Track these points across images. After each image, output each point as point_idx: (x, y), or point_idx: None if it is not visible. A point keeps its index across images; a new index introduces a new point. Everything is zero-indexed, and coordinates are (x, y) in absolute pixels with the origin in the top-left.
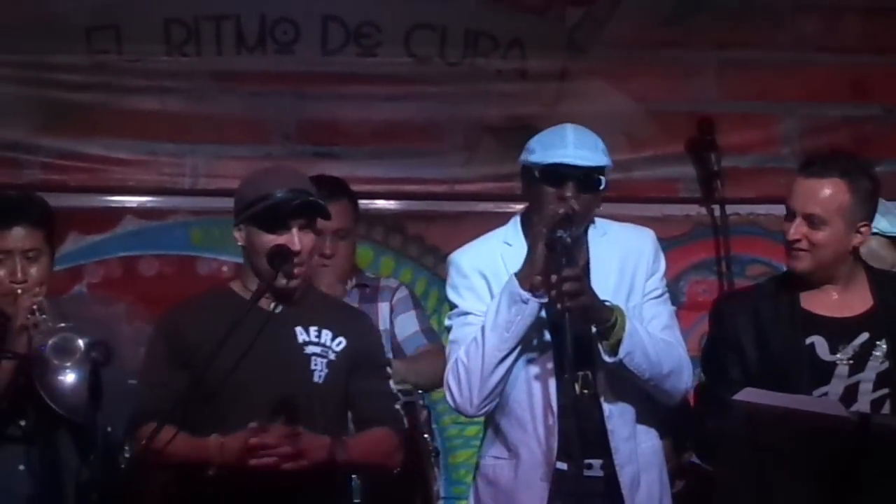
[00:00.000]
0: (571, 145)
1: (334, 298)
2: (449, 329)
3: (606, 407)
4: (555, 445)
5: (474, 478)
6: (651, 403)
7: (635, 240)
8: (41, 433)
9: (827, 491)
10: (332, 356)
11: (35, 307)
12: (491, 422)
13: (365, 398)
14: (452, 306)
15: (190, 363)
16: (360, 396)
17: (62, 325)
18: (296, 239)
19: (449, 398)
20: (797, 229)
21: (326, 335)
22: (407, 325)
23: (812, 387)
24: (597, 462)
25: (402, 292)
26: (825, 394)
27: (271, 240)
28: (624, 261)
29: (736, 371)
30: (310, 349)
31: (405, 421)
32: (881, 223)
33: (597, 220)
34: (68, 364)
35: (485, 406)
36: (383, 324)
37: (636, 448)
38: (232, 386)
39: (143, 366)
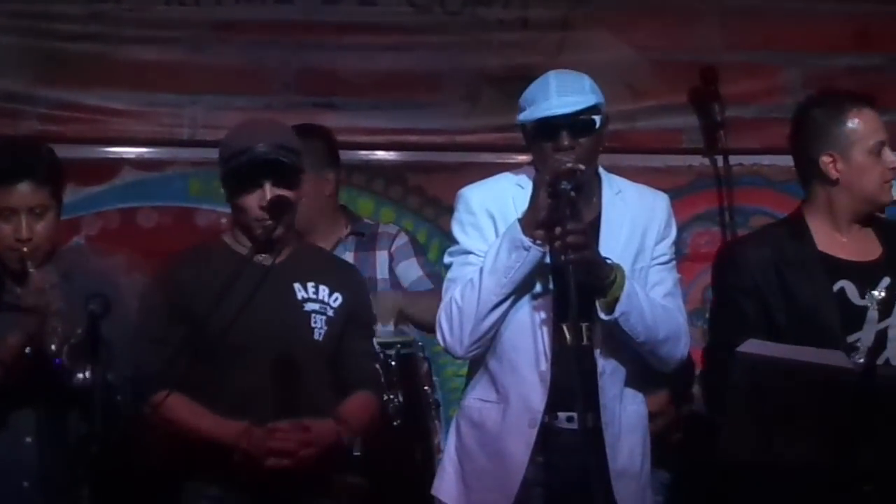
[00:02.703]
0: (555, 94)
1: (326, 251)
2: (448, 266)
3: (600, 363)
4: (546, 392)
5: (456, 419)
6: (642, 368)
7: (649, 203)
8: (48, 403)
9: (830, 442)
10: (330, 313)
11: (47, 287)
12: (480, 363)
13: (351, 358)
14: (454, 241)
15: (187, 319)
16: (349, 355)
17: (79, 331)
18: (267, 193)
19: (439, 337)
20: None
21: (324, 291)
22: (410, 272)
23: (846, 333)
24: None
25: (402, 239)
26: (858, 340)
27: (242, 196)
28: (635, 222)
29: (754, 319)
30: (309, 306)
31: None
32: None
33: (613, 177)
34: (85, 370)
35: (475, 349)
36: (381, 272)
37: (621, 410)
38: (232, 343)
39: (140, 322)
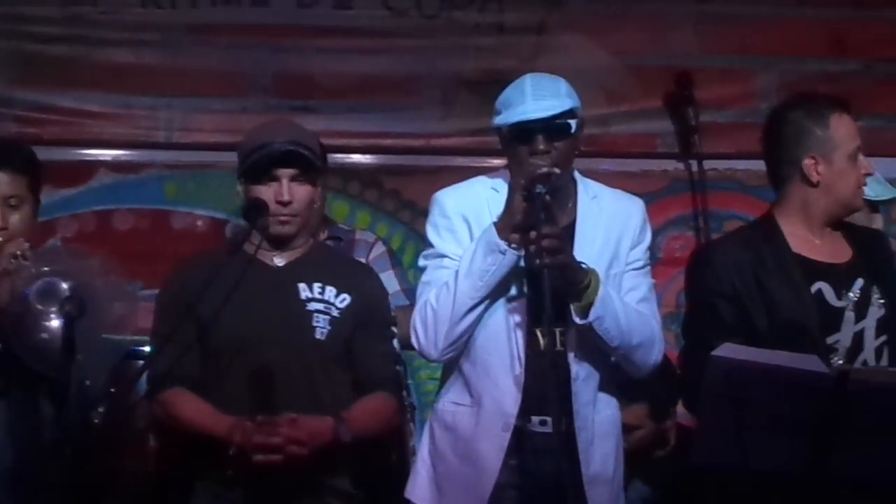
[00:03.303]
0: (530, 98)
1: (341, 254)
2: (423, 269)
3: (574, 368)
4: (519, 396)
5: (429, 424)
6: (616, 374)
7: (625, 208)
8: (18, 393)
9: (806, 446)
10: (335, 313)
11: (20, 252)
12: (454, 367)
13: (367, 359)
14: (429, 245)
15: (195, 318)
16: (363, 357)
17: (45, 269)
18: (284, 189)
19: (414, 340)
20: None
21: (330, 291)
22: (388, 285)
23: (825, 335)
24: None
25: (379, 248)
26: (837, 341)
27: (260, 191)
28: (610, 227)
29: (731, 322)
30: (312, 305)
31: (403, 383)
32: None
33: (589, 181)
34: (53, 309)
35: (449, 352)
36: None
37: (594, 415)
38: (233, 343)
39: (154, 323)
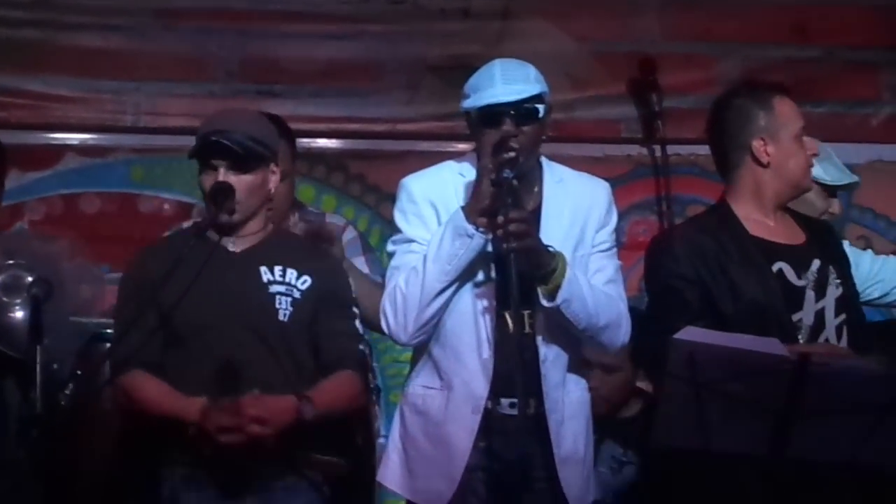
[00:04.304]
0: (500, 82)
1: (301, 238)
2: (391, 255)
3: (542, 350)
4: (489, 379)
5: (400, 407)
6: (585, 357)
7: (590, 191)
8: None
9: (766, 428)
10: (296, 294)
11: None
12: (424, 351)
13: (329, 338)
14: (397, 230)
15: (157, 302)
16: (325, 336)
17: (10, 262)
18: (220, 178)
19: (384, 324)
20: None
21: (291, 274)
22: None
23: (789, 313)
24: (528, 402)
25: (351, 233)
26: (800, 320)
27: (204, 179)
28: (576, 210)
29: (695, 306)
30: (274, 288)
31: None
32: (816, 170)
33: (554, 165)
34: (18, 301)
35: (419, 336)
36: None
37: (564, 396)
38: (197, 327)
39: (116, 307)
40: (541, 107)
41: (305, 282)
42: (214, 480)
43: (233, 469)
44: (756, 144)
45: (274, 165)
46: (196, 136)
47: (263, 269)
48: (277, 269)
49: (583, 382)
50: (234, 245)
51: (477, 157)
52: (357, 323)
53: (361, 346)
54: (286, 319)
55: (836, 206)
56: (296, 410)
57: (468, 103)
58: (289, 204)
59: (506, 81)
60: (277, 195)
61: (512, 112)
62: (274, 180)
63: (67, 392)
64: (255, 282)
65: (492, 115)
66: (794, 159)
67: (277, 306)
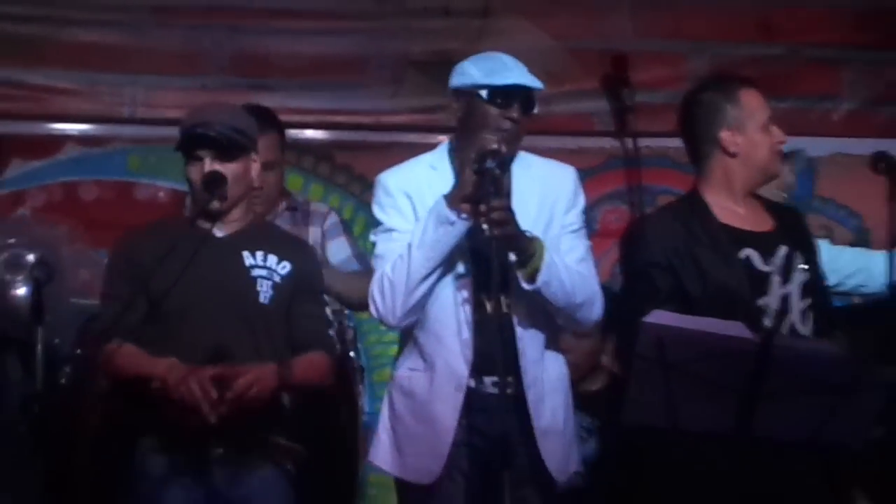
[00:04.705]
0: (515, 69)
1: (279, 227)
2: (374, 245)
3: (519, 330)
4: (469, 358)
5: (388, 390)
6: (560, 332)
7: (557, 175)
8: None
9: (731, 407)
10: (277, 279)
11: None
12: (409, 336)
13: (302, 322)
14: (378, 223)
15: (144, 282)
16: (299, 320)
17: (11, 241)
18: (206, 167)
19: (373, 309)
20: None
21: (272, 259)
22: (339, 251)
23: (754, 297)
24: (506, 380)
25: (333, 218)
26: (766, 304)
27: (190, 170)
28: (545, 194)
29: (665, 291)
30: (256, 272)
31: (336, 345)
32: None
33: (522, 153)
34: (19, 278)
35: (406, 318)
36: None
37: (542, 373)
38: (183, 308)
39: (103, 284)
40: (536, 102)
41: (285, 267)
42: (179, 449)
43: (197, 440)
44: (724, 135)
45: (255, 154)
46: (180, 131)
47: (246, 253)
48: (259, 254)
49: (561, 358)
50: (218, 231)
51: (450, 144)
52: (327, 310)
53: (331, 332)
54: (267, 302)
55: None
56: (279, 374)
57: (478, 80)
58: (278, 192)
59: (520, 69)
60: (268, 183)
61: (521, 98)
62: (255, 168)
63: (67, 370)
64: (238, 265)
65: (505, 95)
66: (762, 148)
67: (259, 289)
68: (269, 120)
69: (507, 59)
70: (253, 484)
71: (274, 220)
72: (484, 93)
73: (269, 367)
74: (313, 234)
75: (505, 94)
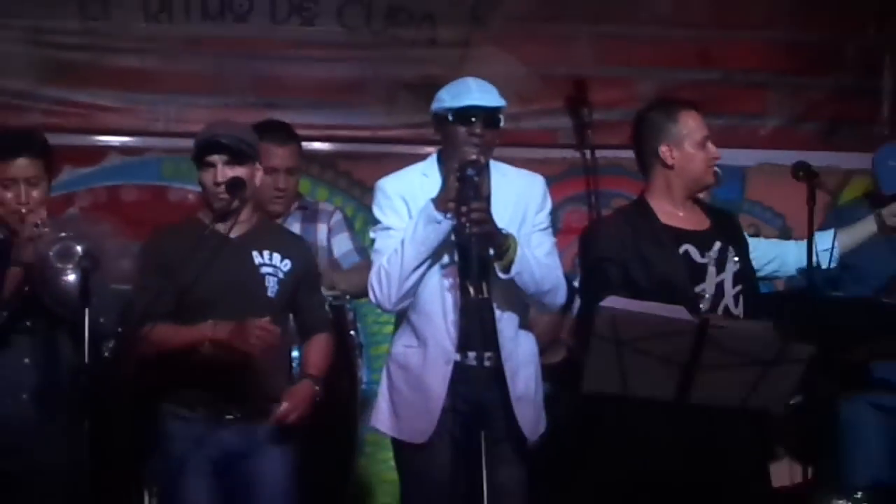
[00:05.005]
0: (476, 91)
1: (280, 226)
2: (373, 241)
3: (498, 312)
4: (455, 337)
5: (387, 364)
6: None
7: (528, 182)
8: (42, 330)
9: (674, 377)
10: (281, 275)
11: (39, 221)
12: (404, 317)
13: (307, 309)
14: (376, 222)
15: (171, 278)
16: (303, 308)
17: (62, 234)
18: (219, 172)
19: (371, 296)
20: (715, 149)
21: (276, 257)
22: (342, 245)
23: (693, 285)
24: (487, 354)
25: (338, 216)
26: (703, 290)
27: (204, 176)
28: (518, 198)
29: (616, 281)
30: (264, 269)
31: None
32: None
33: (498, 164)
34: (70, 266)
35: (400, 304)
36: (321, 241)
37: (517, 348)
38: (201, 300)
39: (134, 278)
40: (501, 117)
41: (287, 264)
42: (197, 417)
43: (210, 409)
44: (663, 150)
45: (258, 164)
46: (195, 143)
47: (255, 252)
48: (266, 252)
49: (532, 336)
50: (231, 232)
51: (438, 154)
52: (322, 291)
53: (327, 309)
54: (273, 296)
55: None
56: (315, 393)
57: (446, 104)
58: (295, 193)
59: (481, 91)
60: (289, 186)
61: (483, 116)
62: (259, 176)
63: (110, 345)
64: (250, 264)
65: (467, 115)
66: (695, 162)
67: (266, 284)
68: (291, 133)
69: (473, 83)
70: (259, 442)
71: (287, 218)
72: (450, 115)
73: (306, 384)
74: (321, 231)
75: (468, 114)
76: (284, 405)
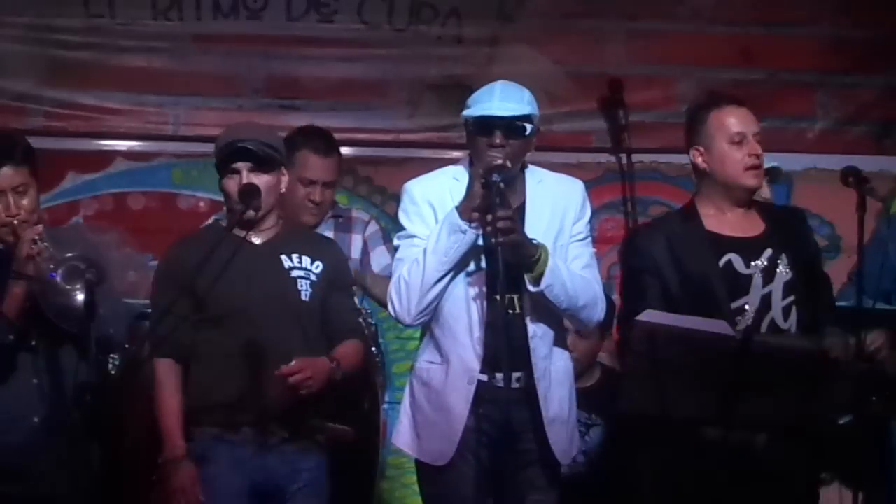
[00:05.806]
0: (497, 99)
1: (309, 230)
2: (397, 248)
3: (531, 327)
4: (481, 355)
5: (409, 380)
6: (566, 332)
7: (567, 189)
8: (45, 347)
9: (715, 399)
10: (313, 277)
11: (37, 236)
12: (427, 332)
13: (337, 314)
14: (401, 228)
15: (191, 291)
16: (333, 312)
17: (69, 255)
18: (244, 179)
19: (390, 308)
20: (757, 147)
21: (306, 260)
22: (382, 259)
23: (732, 299)
24: (516, 375)
25: (374, 226)
26: (746, 304)
27: (227, 183)
28: (555, 205)
29: (654, 293)
30: (295, 273)
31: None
32: None
33: (535, 168)
34: (78, 286)
35: (420, 318)
36: (356, 252)
37: (550, 366)
38: (236, 310)
39: (152, 295)
40: (528, 126)
41: (318, 266)
42: (242, 439)
43: (256, 430)
44: (693, 153)
45: (284, 169)
46: (216, 147)
47: (284, 257)
48: (295, 256)
49: (567, 354)
50: (256, 238)
51: (470, 159)
52: (355, 300)
53: (361, 320)
54: (307, 299)
55: (766, 191)
56: (331, 371)
57: (467, 112)
58: (331, 205)
59: (502, 99)
60: (326, 198)
61: (503, 126)
62: (284, 181)
63: (115, 361)
64: (279, 268)
65: (484, 125)
66: (727, 163)
67: (299, 288)
68: (333, 143)
69: (498, 90)
70: (303, 468)
71: (322, 226)
72: (470, 123)
73: (322, 361)
74: (355, 241)
75: (486, 124)
76: (295, 362)
